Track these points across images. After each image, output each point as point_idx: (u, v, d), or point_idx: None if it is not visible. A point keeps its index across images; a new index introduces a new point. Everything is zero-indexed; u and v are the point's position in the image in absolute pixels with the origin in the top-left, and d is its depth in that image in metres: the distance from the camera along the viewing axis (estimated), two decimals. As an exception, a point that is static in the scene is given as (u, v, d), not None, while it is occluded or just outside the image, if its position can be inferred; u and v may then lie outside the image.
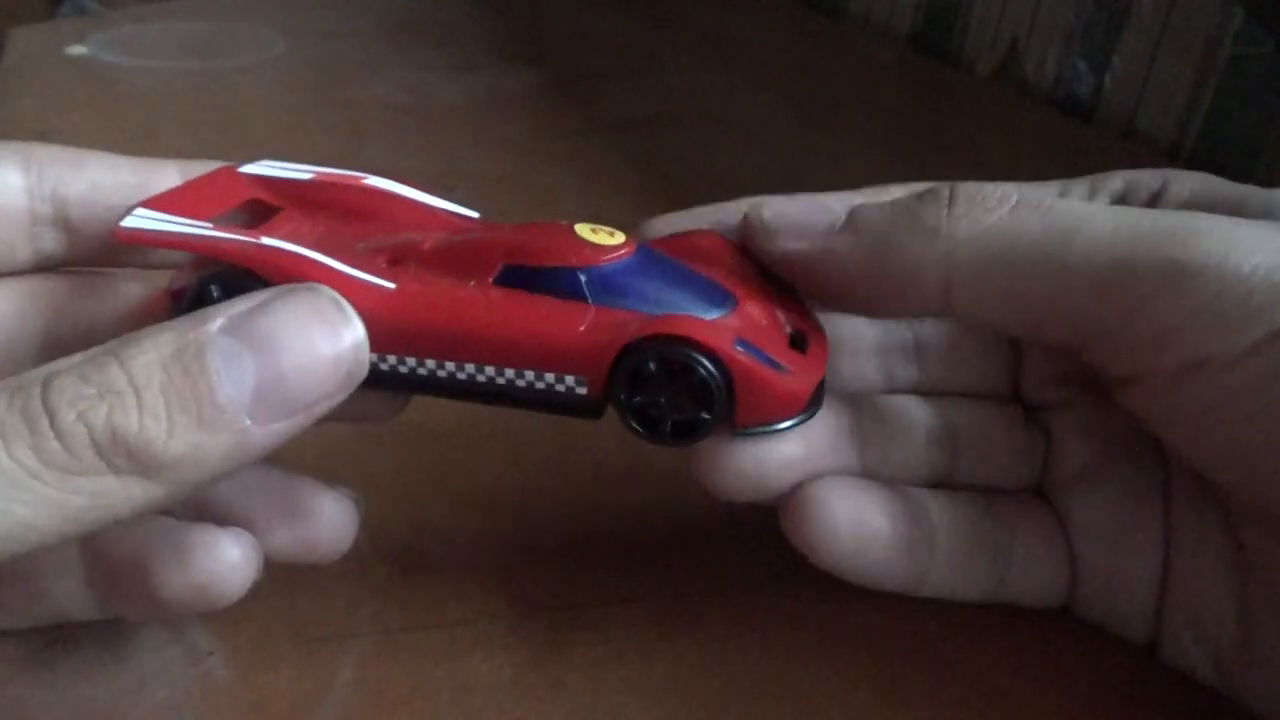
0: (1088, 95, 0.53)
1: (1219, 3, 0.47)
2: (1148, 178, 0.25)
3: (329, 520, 0.23)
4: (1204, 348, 0.19)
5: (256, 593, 0.25)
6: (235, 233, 0.21)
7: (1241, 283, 0.19)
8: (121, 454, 0.17)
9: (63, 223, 0.23)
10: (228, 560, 0.21)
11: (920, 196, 0.22)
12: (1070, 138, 0.52)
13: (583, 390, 0.21)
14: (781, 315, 0.23)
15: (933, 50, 0.60)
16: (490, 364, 0.21)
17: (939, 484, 0.25)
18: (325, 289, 0.19)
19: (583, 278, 0.22)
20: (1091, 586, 0.24)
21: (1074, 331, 0.21)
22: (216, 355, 0.18)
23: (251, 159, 0.25)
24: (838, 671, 0.24)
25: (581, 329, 0.21)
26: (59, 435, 0.17)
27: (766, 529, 0.25)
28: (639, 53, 0.60)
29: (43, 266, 0.23)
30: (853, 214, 0.22)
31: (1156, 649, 0.24)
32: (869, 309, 0.23)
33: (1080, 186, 0.25)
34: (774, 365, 0.21)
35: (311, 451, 0.29)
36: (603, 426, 0.22)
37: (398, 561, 0.27)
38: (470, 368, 0.21)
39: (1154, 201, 0.24)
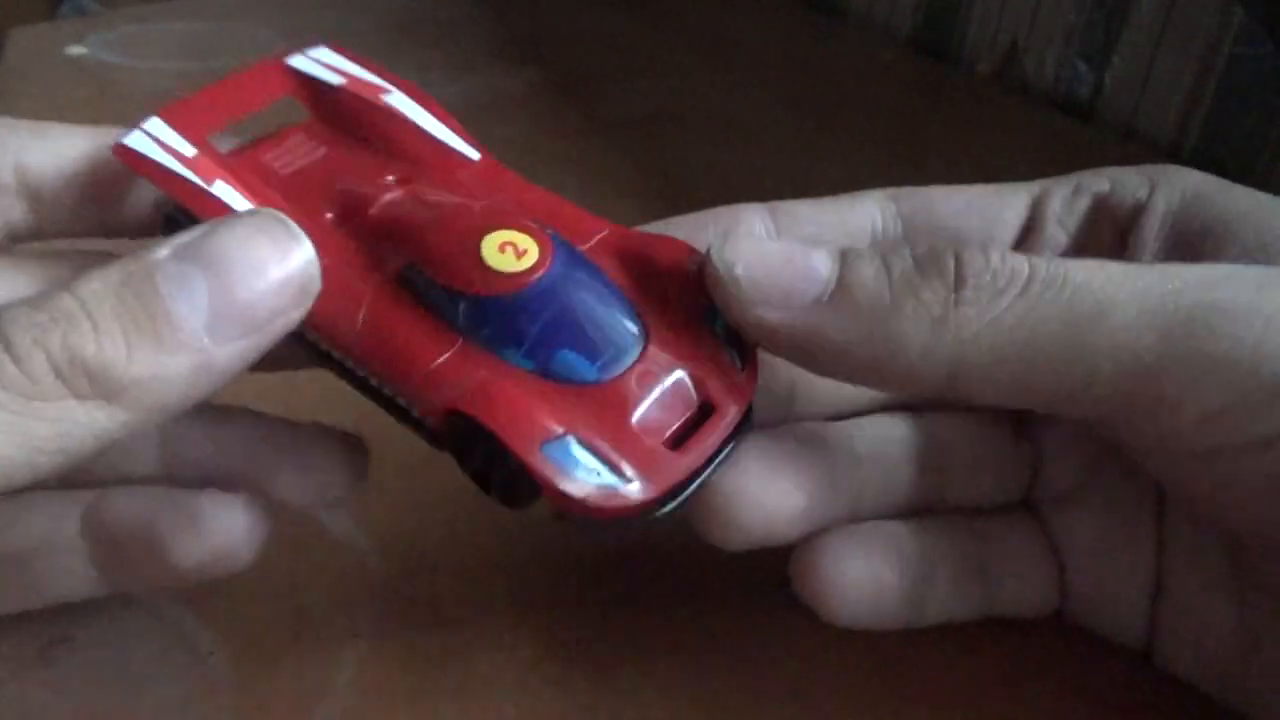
0: (1088, 95, 0.53)
1: (1219, 3, 0.47)
2: (1133, 182, 0.24)
3: (339, 463, 0.23)
4: (1237, 434, 0.19)
5: (256, 593, 0.25)
6: (199, 171, 0.21)
7: (1276, 372, 0.18)
8: (81, 377, 0.17)
9: (27, 193, 0.23)
10: (242, 525, 0.21)
11: (922, 270, 0.20)
12: (1070, 138, 0.52)
13: (430, 422, 0.20)
14: (693, 377, 0.21)
15: (933, 50, 0.60)
16: (360, 364, 0.21)
17: (928, 507, 0.24)
18: (271, 212, 0.20)
19: (460, 306, 0.20)
20: (1082, 600, 0.24)
21: (1093, 417, 0.20)
22: (166, 278, 0.18)
23: None
24: (838, 674, 0.24)
25: (435, 365, 0.20)
26: (17, 361, 0.17)
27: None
28: (639, 53, 0.60)
29: (15, 238, 0.23)
30: (843, 283, 0.20)
31: (1151, 657, 0.24)
32: (853, 382, 0.21)
33: (1064, 187, 0.25)
34: (598, 476, 0.19)
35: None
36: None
37: (398, 561, 0.27)
38: (348, 360, 0.21)
39: (1139, 211, 0.23)
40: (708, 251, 0.21)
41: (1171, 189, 0.24)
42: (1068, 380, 0.19)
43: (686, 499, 0.20)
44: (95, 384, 0.17)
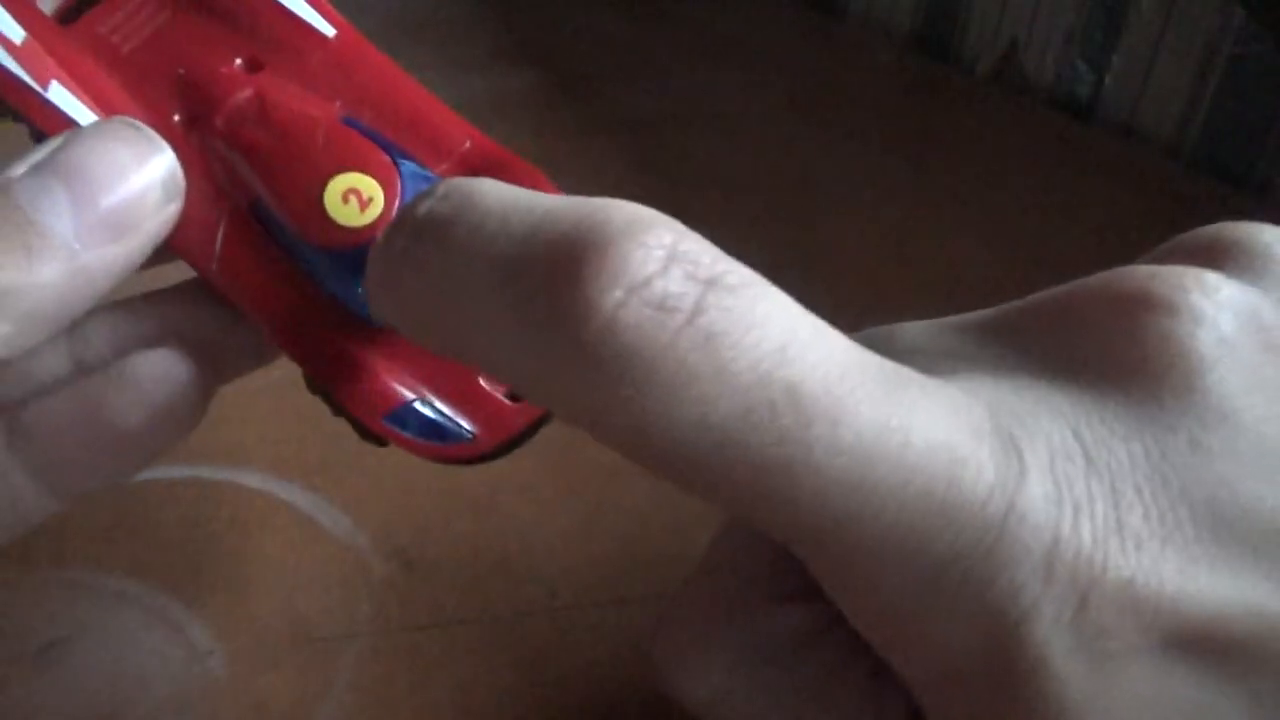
0: (1088, 95, 0.53)
1: (1219, 3, 0.47)
2: None
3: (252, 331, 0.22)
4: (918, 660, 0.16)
5: (256, 592, 0.25)
6: (32, 67, 0.20)
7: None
8: None
9: None
10: (181, 374, 0.20)
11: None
12: (1070, 137, 0.51)
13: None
14: None
15: (933, 50, 0.60)
16: (225, 300, 0.21)
17: None
18: (124, 119, 0.19)
19: (307, 254, 0.20)
20: None
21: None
22: (24, 191, 0.18)
23: None
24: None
25: (289, 318, 0.20)
26: None
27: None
28: (639, 53, 0.60)
29: None
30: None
31: None
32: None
33: None
34: (441, 435, 0.20)
35: (313, 451, 0.29)
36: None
37: (398, 561, 0.27)
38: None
39: None
40: None
41: None
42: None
43: (528, 437, 0.21)
44: None
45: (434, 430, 0.20)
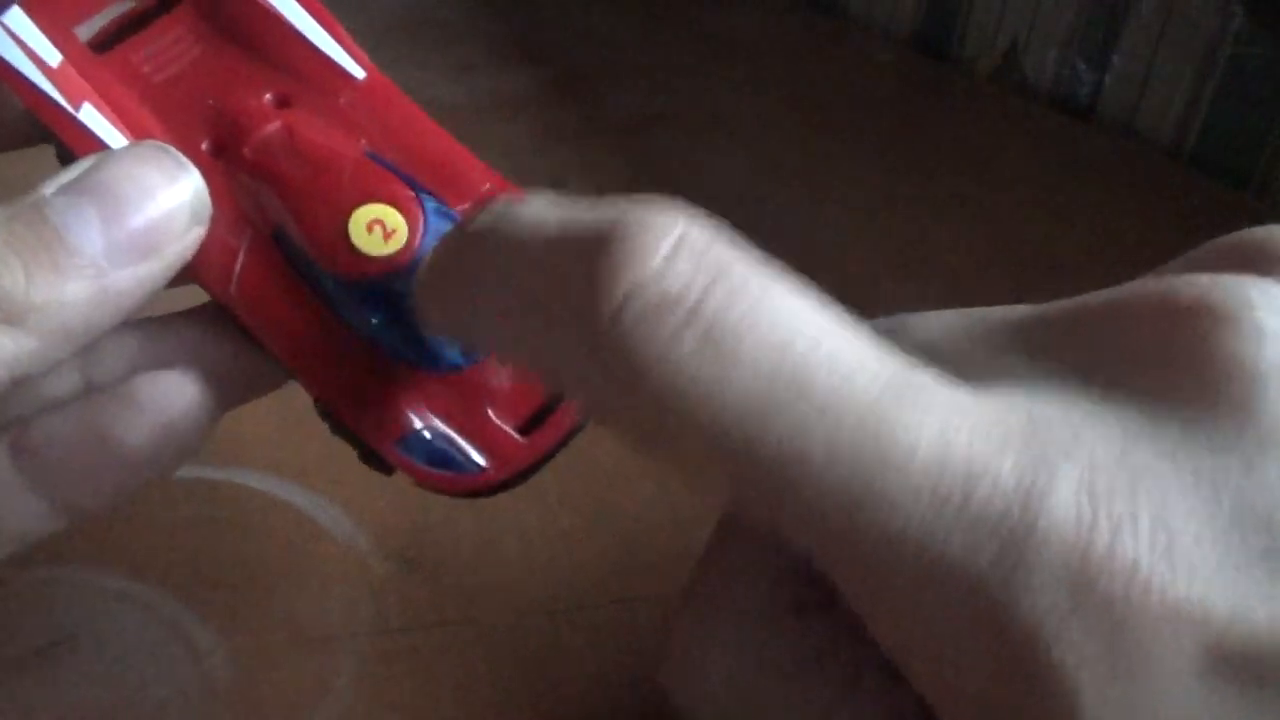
0: (1088, 95, 0.53)
1: (1219, 3, 0.47)
2: None
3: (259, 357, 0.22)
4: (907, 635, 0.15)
5: (256, 592, 0.25)
6: (65, 89, 0.20)
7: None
8: None
9: None
10: (188, 395, 0.20)
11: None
12: (1070, 138, 0.51)
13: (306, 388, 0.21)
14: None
15: (933, 50, 0.60)
16: (241, 325, 0.21)
17: None
18: (155, 143, 0.20)
19: (328, 283, 0.20)
20: None
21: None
22: (55, 210, 0.18)
23: None
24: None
25: (304, 344, 0.20)
26: None
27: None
28: (639, 53, 0.60)
29: None
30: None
31: None
32: None
33: None
34: (449, 465, 0.20)
35: (313, 451, 0.29)
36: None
37: (398, 561, 0.27)
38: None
39: None
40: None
41: None
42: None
43: (536, 470, 0.21)
44: None
45: (443, 459, 0.20)
